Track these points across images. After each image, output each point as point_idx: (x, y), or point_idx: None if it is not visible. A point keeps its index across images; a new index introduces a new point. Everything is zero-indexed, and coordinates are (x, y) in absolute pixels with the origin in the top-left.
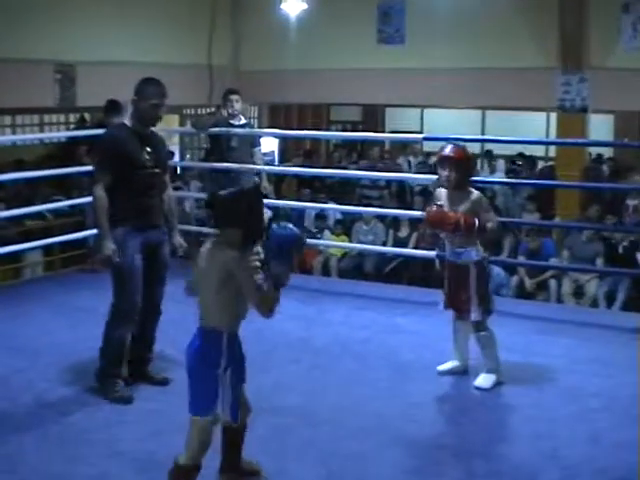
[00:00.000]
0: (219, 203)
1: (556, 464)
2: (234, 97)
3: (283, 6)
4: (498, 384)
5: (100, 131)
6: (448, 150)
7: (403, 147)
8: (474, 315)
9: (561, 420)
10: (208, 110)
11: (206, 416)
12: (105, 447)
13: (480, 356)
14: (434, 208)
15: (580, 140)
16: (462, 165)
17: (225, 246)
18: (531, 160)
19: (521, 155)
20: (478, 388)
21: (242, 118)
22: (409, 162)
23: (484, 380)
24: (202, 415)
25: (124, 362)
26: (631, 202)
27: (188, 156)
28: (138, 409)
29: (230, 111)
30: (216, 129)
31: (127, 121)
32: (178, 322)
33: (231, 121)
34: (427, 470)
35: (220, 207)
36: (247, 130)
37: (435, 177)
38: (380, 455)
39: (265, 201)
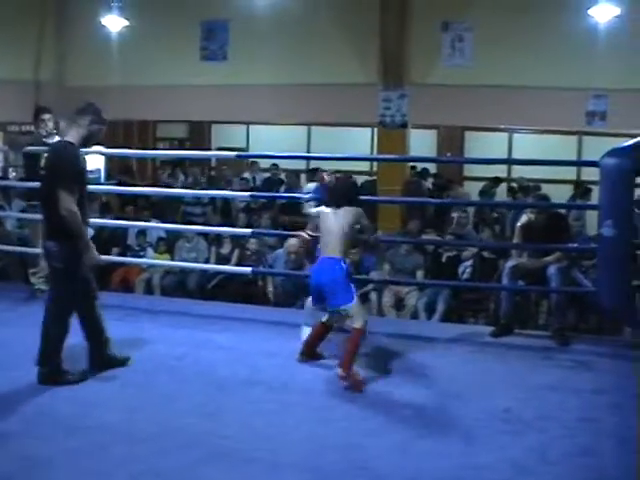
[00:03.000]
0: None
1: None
2: (46, 116)
3: (104, 22)
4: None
5: None
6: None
7: (236, 164)
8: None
9: (371, 429)
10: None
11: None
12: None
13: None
14: None
15: (400, 156)
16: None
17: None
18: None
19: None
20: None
21: (56, 136)
22: (254, 178)
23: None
24: (352, 301)
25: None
26: (455, 214)
27: (14, 174)
28: None
29: (44, 131)
30: (31, 148)
31: None
32: None
33: (45, 139)
34: None
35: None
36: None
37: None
38: (196, 471)
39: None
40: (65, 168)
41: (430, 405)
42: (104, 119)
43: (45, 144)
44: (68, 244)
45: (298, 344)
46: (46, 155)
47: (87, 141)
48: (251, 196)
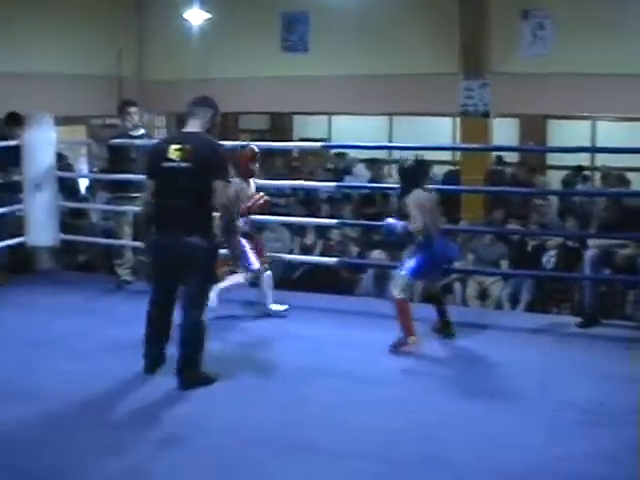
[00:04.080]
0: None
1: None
2: (132, 109)
3: (186, 15)
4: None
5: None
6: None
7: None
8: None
9: (450, 420)
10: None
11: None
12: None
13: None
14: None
15: (481, 145)
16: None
17: None
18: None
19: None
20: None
21: (141, 129)
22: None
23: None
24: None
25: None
26: (537, 202)
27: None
28: None
29: (130, 123)
30: (117, 140)
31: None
32: None
33: (131, 132)
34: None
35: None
36: (146, 141)
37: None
38: (275, 463)
39: None
40: (222, 159)
41: (512, 396)
42: (219, 112)
43: (130, 137)
44: (212, 238)
45: (381, 335)
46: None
47: (209, 134)
48: (336, 187)
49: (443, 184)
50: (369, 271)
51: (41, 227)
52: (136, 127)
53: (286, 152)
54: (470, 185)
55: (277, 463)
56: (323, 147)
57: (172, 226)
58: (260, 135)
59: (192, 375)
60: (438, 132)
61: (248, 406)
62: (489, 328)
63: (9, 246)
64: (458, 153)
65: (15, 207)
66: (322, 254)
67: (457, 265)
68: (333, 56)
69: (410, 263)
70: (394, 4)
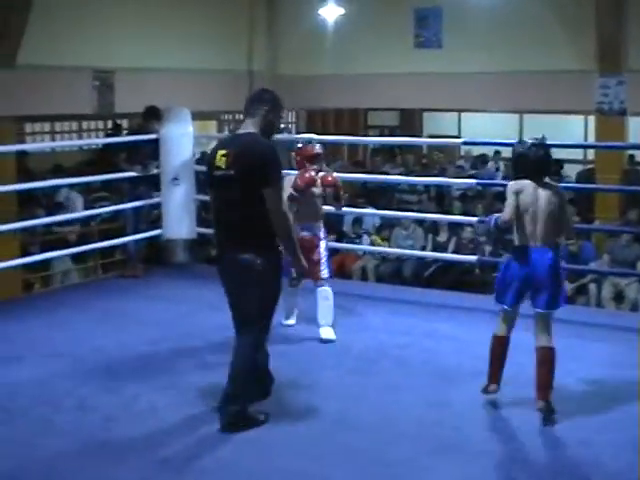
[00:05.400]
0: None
1: (599, 472)
2: None
3: (321, 11)
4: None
5: (140, 137)
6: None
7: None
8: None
9: (607, 426)
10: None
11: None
12: (149, 453)
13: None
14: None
15: (617, 144)
16: None
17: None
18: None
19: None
20: (327, 340)
21: None
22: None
23: (330, 332)
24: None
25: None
26: None
27: None
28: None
29: None
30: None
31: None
32: None
33: None
34: (470, 478)
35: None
36: (284, 135)
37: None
38: (422, 462)
39: None
40: (271, 164)
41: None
42: (281, 106)
43: None
44: (270, 254)
45: (524, 334)
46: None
47: (265, 133)
48: (477, 183)
49: (577, 183)
50: None
51: (178, 220)
52: None
53: (417, 148)
54: (606, 184)
55: (424, 462)
56: (463, 143)
57: (225, 242)
58: (389, 131)
59: (235, 413)
60: (569, 131)
61: (393, 403)
62: (625, 330)
63: (145, 239)
64: (591, 152)
65: (153, 200)
66: (455, 252)
67: (592, 266)
68: (466, 52)
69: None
70: (528, 0)
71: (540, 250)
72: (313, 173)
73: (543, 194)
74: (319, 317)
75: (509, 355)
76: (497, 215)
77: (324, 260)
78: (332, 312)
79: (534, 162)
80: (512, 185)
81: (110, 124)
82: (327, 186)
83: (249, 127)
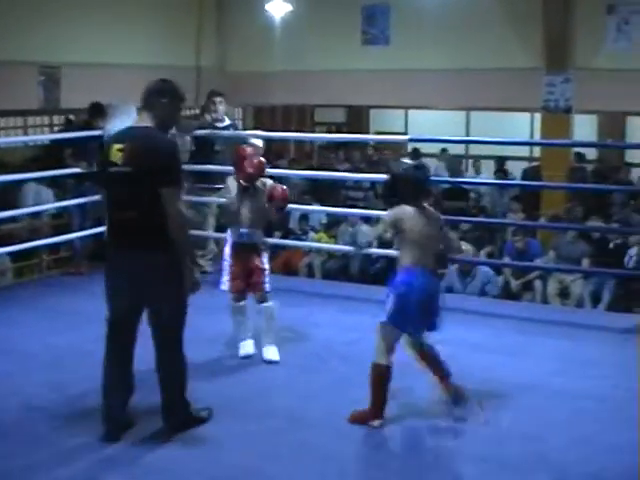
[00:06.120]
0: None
1: (547, 467)
2: (217, 99)
3: (268, 7)
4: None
5: (85, 133)
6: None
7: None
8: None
9: (553, 423)
10: (194, 112)
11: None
12: (96, 452)
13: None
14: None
15: (564, 141)
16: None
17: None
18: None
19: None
20: (271, 361)
21: (226, 119)
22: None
23: (274, 353)
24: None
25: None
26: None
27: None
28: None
29: (213, 115)
30: (201, 132)
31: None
32: None
33: (216, 124)
34: (414, 474)
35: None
36: (232, 132)
37: None
38: (374, 458)
39: None
40: (170, 161)
41: (614, 397)
42: (182, 98)
43: (215, 128)
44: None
45: (469, 331)
46: (122, 147)
47: (163, 127)
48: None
49: (523, 179)
50: (451, 266)
51: None
52: (219, 119)
53: (363, 145)
54: (551, 181)
55: (376, 457)
56: (410, 140)
57: (123, 241)
58: (337, 128)
59: (180, 421)
60: (515, 128)
61: (344, 400)
62: (574, 326)
63: (89, 235)
64: (537, 150)
65: (97, 197)
66: None
67: (538, 262)
68: (413, 49)
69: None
70: None
71: (423, 273)
72: (260, 159)
73: (424, 218)
74: (263, 336)
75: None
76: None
77: (267, 272)
78: (276, 330)
79: (415, 184)
80: (396, 212)
81: (56, 120)
82: (275, 200)
83: (146, 120)
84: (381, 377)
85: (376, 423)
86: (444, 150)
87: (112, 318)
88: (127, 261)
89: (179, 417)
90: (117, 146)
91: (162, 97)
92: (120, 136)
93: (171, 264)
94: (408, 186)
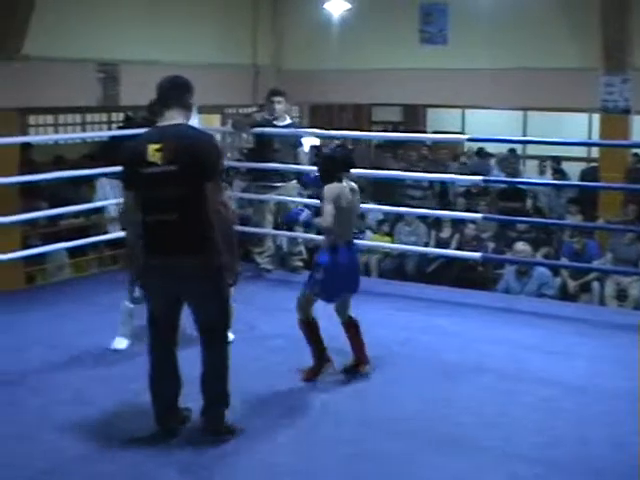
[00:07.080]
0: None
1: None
2: (276, 99)
3: (326, 6)
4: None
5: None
6: None
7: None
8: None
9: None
10: (251, 109)
11: None
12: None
13: None
14: None
15: (623, 142)
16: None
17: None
18: None
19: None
20: (116, 350)
21: (287, 118)
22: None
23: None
24: None
25: None
26: None
27: (229, 155)
28: None
29: (271, 113)
30: (259, 129)
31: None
32: None
33: (275, 122)
34: (470, 473)
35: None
36: (288, 130)
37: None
38: (421, 457)
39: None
40: (214, 155)
41: None
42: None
43: (274, 126)
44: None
45: (526, 331)
46: (161, 144)
47: (187, 120)
48: (483, 181)
49: (581, 181)
50: (508, 267)
51: None
52: (278, 117)
53: (419, 145)
54: (609, 183)
55: (423, 456)
56: (469, 140)
57: (162, 243)
58: (393, 127)
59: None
60: (572, 128)
61: (394, 399)
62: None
63: None
64: (594, 150)
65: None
66: (458, 248)
67: (596, 264)
68: (471, 49)
69: (314, 275)
70: None
71: (350, 245)
72: None
73: (353, 193)
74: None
75: None
76: (307, 212)
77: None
78: None
79: (341, 161)
80: (332, 189)
81: (115, 117)
82: None
83: (176, 118)
84: (306, 328)
85: (327, 366)
86: (512, 150)
87: (154, 316)
88: (168, 263)
89: (219, 411)
90: (154, 146)
91: (187, 92)
92: (153, 136)
93: (211, 265)
94: (337, 162)
